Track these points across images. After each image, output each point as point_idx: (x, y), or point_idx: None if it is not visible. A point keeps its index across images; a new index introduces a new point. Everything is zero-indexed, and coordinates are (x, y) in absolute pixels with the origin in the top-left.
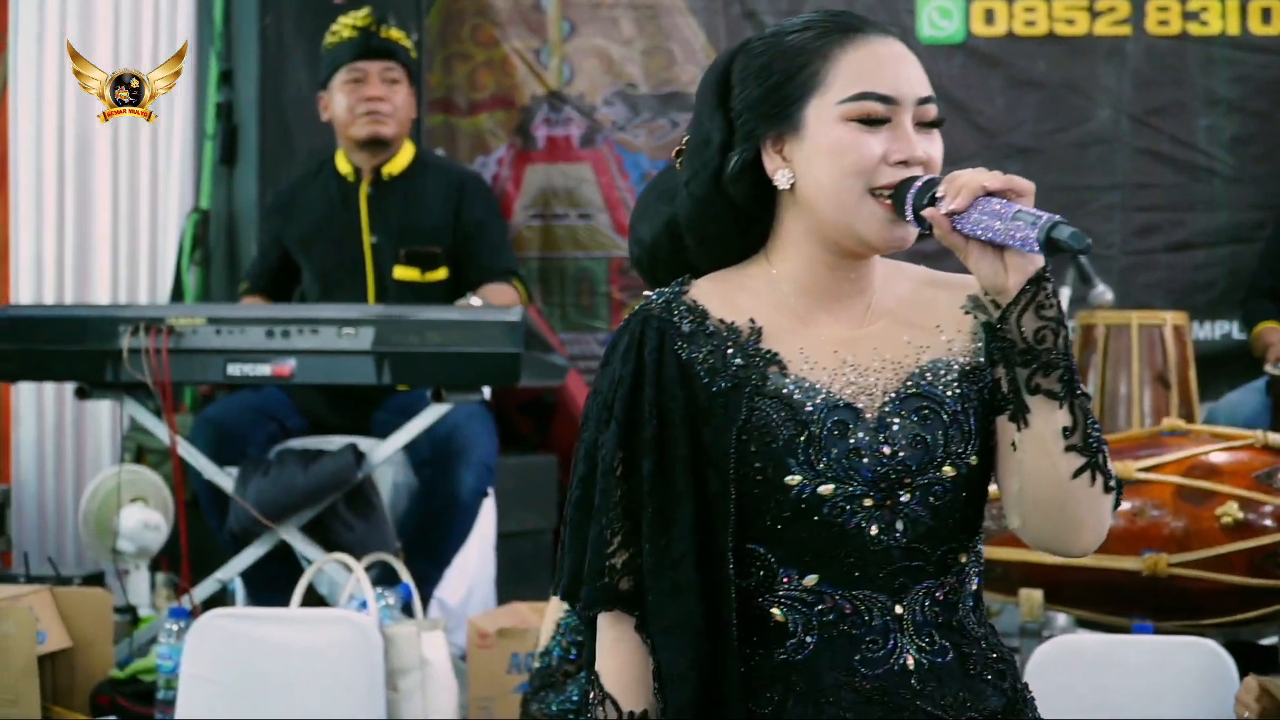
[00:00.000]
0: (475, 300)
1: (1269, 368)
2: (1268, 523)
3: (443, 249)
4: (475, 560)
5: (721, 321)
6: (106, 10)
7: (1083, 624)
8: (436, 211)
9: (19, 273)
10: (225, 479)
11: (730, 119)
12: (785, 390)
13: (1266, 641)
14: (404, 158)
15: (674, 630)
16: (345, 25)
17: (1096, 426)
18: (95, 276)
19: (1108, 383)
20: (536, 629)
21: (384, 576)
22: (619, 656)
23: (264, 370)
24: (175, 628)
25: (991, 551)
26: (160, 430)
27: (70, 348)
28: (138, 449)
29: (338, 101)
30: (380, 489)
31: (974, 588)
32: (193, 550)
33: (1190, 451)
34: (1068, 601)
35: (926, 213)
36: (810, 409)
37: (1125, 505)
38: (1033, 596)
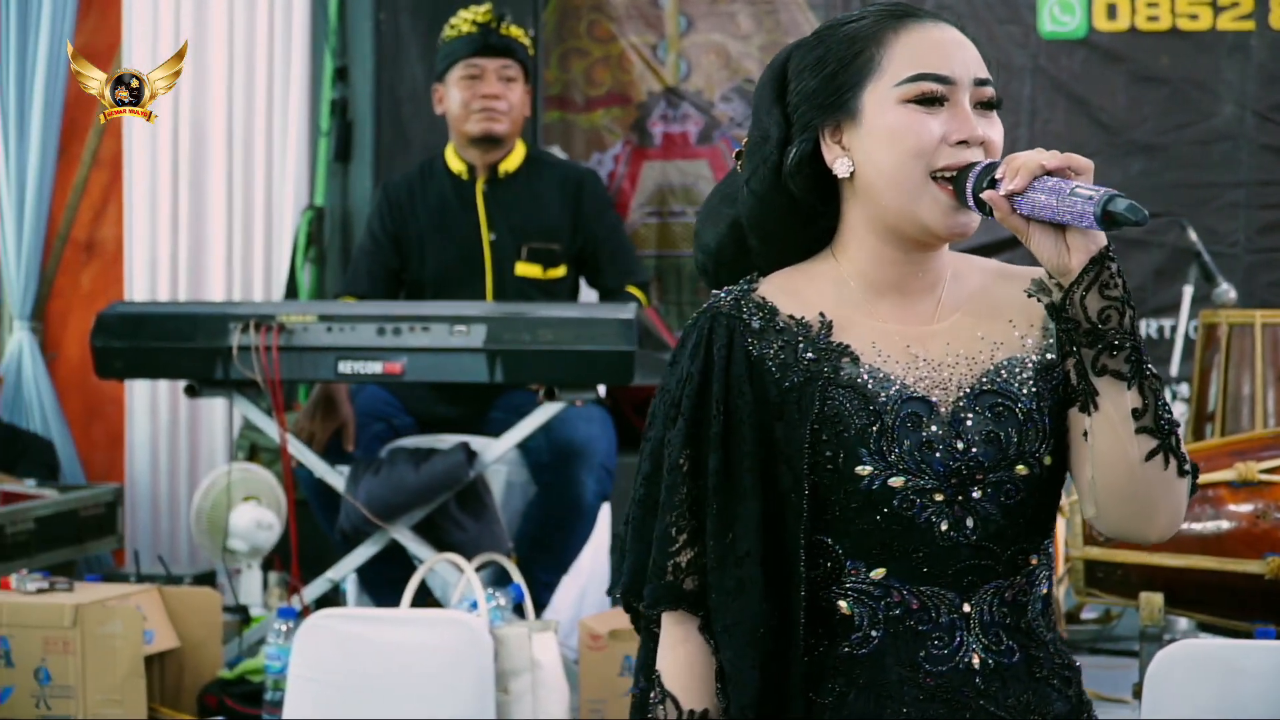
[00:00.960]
0: None
1: None
2: None
3: (561, 246)
4: (589, 563)
5: (791, 317)
6: (221, 8)
7: (1204, 628)
8: (555, 209)
9: (133, 271)
10: (336, 477)
11: (787, 113)
12: (860, 380)
13: None
14: (517, 156)
15: (735, 628)
16: (465, 20)
17: (1168, 408)
18: (209, 275)
19: (1230, 382)
20: None
21: (497, 577)
22: (680, 656)
23: (375, 368)
24: (284, 628)
25: (1112, 554)
26: (271, 428)
27: (181, 345)
28: (251, 447)
29: (452, 96)
30: (493, 488)
31: (1044, 591)
32: (307, 549)
33: None
34: (1189, 605)
35: (986, 195)
36: (884, 399)
37: (1247, 508)
38: (1153, 600)
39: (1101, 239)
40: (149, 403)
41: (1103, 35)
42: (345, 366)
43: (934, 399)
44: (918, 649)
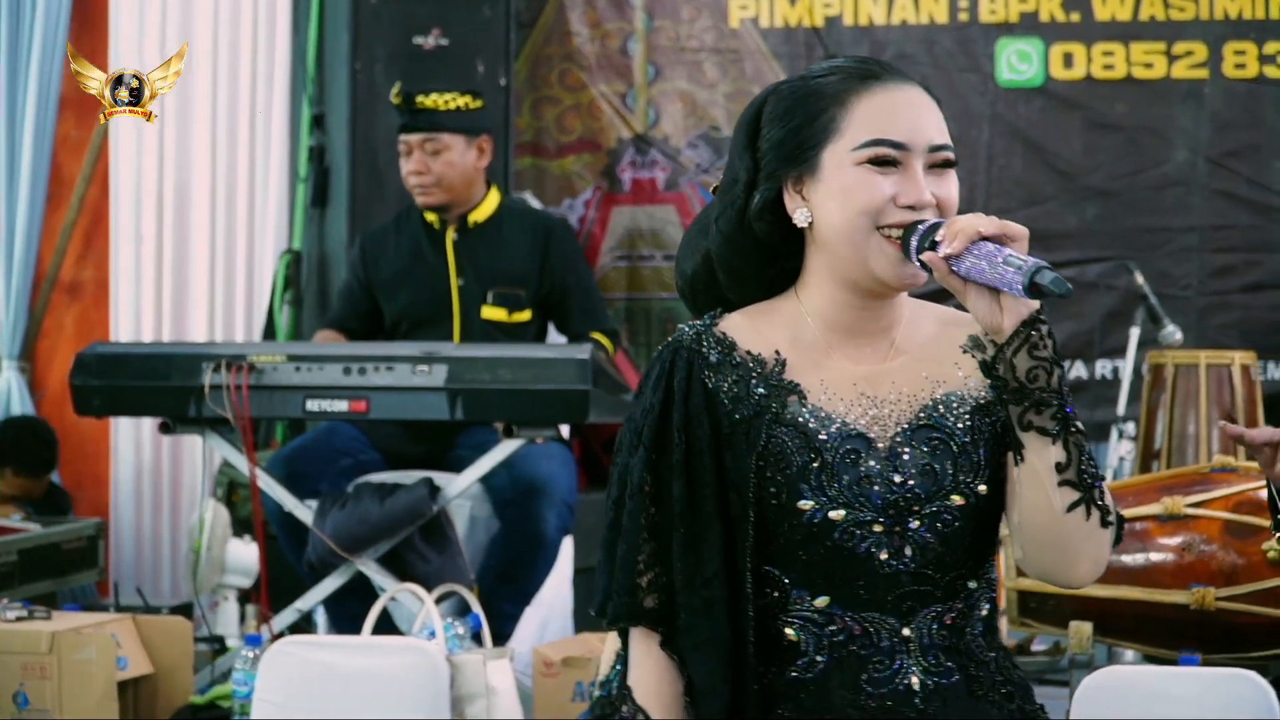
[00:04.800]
0: None
1: None
2: None
3: (527, 291)
4: (551, 595)
5: (748, 353)
6: (205, 62)
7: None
8: (524, 257)
9: (119, 312)
10: (305, 511)
11: (756, 159)
12: (802, 419)
13: None
14: (489, 205)
15: (706, 646)
16: (392, 96)
17: (1093, 463)
18: (192, 317)
19: (1176, 421)
20: (600, 658)
21: (458, 608)
22: (647, 670)
23: (341, 406)
24: (250, 655)
25: (1043, 585)
26: (242, 464)
27: (156, 384)
28: (230, 484)
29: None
30: (457, 523)
31: (984, 613)
32: (280, 581)
33: (1239, 488)
34: (1120, 635)
35: (925, 256)
36: (824, 437)
37: (1174, 540)
38: (1082, 629)
39: (1034, 302)
40: (133, 441)
41: (1059, 83)
42: (313, 404)
43: (872, 435)
44: (860, 672)
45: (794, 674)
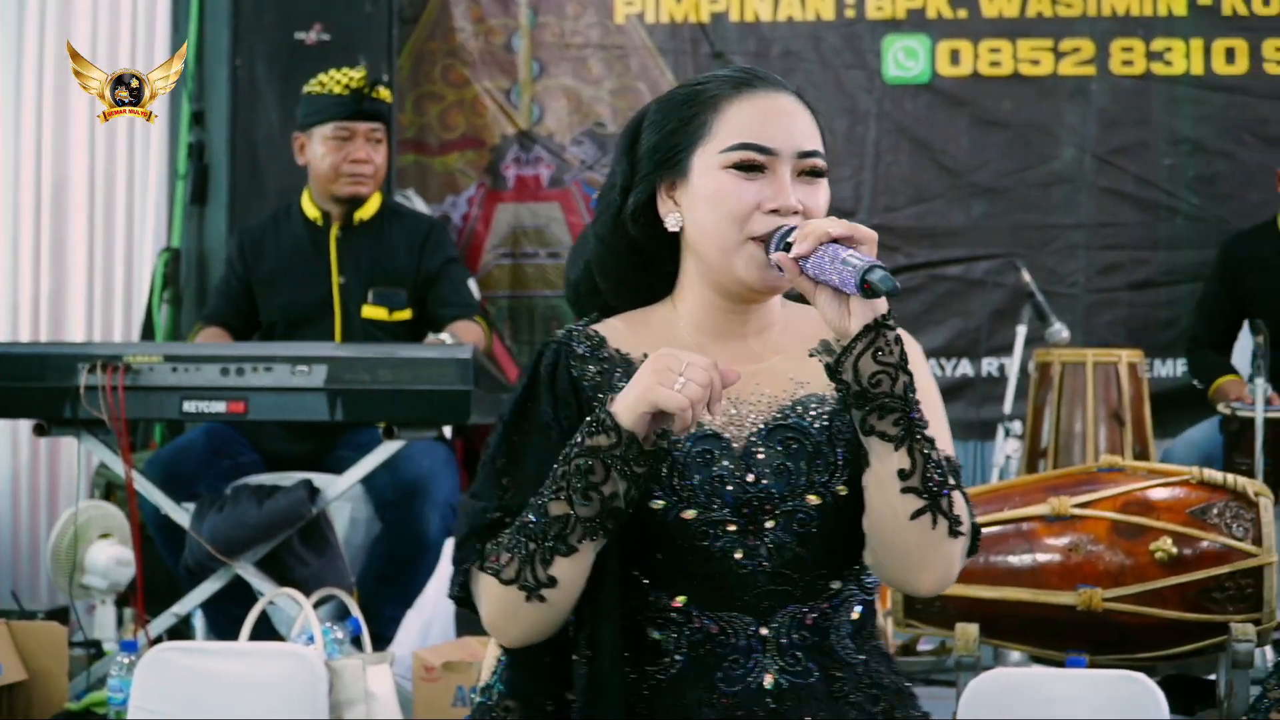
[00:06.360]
0: (446, 337)
1: (1221, 406)
2: (1202, 558)
3: (407, 291)
4: (433, 597)
5: (617, 351)
6: (83, 51)
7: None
8: (403, 256)
9: None
10: (182, 514)
11: (634, 164)
12: None
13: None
14: (372, 204)
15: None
16: (337, 81)
17: (940, 470)
18: (70, 315)
19: (1063, 420)
20: (482, 662)
21: (339, 612)
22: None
23: (219, 407)
24: (126, 661)
25: None
26: (117, 466)
27: (30, 385)
28: (107, 485)
29: (319, 153)
30: (337, 525)
31: (854, 615)
32: (160, 585)
33: (1126, 488)
34: (1007, 636)
35: (775, 256)
36: (675, 437)
37: (1061, 541)
38: (968, 630)
39: (881, 306)
40: (9, 441)
41: (946, 80)
42: (190, 406)
43: (727, 435)
44: (715, 670)
45: (655, 674)
